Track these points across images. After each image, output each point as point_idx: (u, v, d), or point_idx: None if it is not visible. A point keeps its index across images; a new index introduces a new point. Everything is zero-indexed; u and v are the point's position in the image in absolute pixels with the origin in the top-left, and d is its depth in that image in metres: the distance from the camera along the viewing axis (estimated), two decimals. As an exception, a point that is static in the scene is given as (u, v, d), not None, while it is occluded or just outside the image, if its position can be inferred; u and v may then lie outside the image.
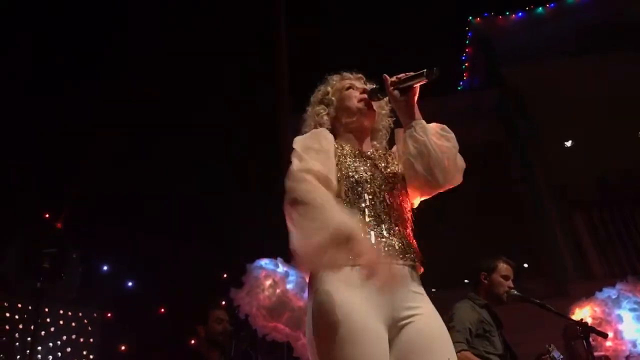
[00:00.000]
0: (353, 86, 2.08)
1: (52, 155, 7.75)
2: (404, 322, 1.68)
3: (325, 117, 2.06)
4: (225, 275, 7.37)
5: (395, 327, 1.68)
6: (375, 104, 2.05)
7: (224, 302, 5.61)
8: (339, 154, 1.90)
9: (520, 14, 9.36)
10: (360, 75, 2.15)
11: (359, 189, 1.82)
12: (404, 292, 1.71)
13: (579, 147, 9.30)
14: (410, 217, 1.90)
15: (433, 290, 2.92)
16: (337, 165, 1.85)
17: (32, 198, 7.27)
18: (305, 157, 1.76)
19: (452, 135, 1.87)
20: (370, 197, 1.81)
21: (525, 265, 7.95)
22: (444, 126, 1.89)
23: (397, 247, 1.74)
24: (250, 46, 9.31)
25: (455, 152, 1.85)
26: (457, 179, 1.87)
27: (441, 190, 1.88)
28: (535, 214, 8.04)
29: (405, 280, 1.73)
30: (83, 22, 8.69)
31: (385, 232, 1.75)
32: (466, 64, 10.37)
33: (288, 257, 5.67)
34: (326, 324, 1.60)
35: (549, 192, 7.99)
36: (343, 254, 1.50)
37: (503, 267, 3.52)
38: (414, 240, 1.85)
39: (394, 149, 2.07)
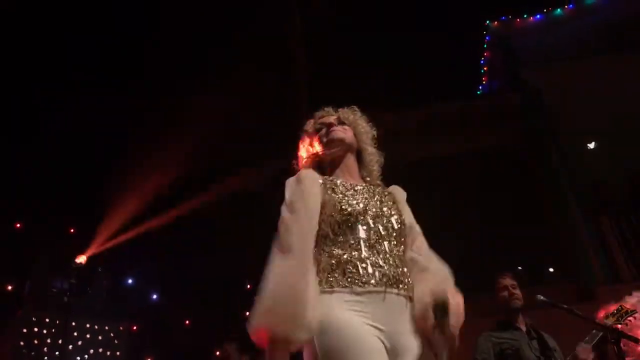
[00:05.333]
0: (322, 125, 2.15)
1: (78, 172, 7.88)
2: (400, 353, 1.73)
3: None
4: (249, 286, 7.39)
5: (392, 354, 1.72)
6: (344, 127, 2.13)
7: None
8: (330, 187, 1.94)
9: (538, 16, 9.27)
10: (327, 111, 2.21)
11: (353, 220, 1.85)
12: (400, 322, 1.76)
13: (603, 148, 9.16)
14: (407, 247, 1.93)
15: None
16: (329, 200, 1.89)
17: (59, 215, 7.39)
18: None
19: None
20: (365, 227, 1.85)
21: (551, 269, 7.83)
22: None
23: (391, 277, 1.77)
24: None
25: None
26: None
27: None
28: (560, 217, 7.90)
29: (401, 310, 1.77)
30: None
31: (381, 262, 1.79)
32: (485, 68, 10.30)
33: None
34: (329, 338, 1.66)
35: (573, 195, 7.85)
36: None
37: (500, 282, 3.66)
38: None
39: (391, 188, 2.13)
